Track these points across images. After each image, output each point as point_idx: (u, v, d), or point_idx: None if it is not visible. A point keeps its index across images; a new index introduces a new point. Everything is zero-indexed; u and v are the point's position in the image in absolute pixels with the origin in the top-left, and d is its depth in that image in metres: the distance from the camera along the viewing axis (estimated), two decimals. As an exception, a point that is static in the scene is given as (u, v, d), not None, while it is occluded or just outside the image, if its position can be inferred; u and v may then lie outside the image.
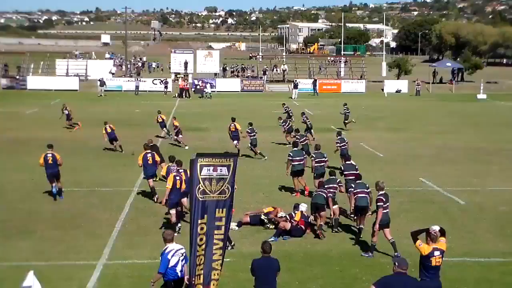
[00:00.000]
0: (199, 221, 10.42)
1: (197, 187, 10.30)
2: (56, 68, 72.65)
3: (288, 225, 17.04)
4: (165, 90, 63.64)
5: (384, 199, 15.22)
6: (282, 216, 17.39)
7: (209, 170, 10.32)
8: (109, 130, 29.76)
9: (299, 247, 16.32)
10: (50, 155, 20.69)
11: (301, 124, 32.79)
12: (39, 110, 47.21)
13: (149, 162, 20.94)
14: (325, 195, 17.31)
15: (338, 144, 25.27)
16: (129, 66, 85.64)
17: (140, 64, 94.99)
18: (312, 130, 32.47)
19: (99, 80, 62.23)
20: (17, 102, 53.02)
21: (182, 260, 11.22)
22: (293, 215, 17.45)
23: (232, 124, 28.93)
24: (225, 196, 10.53)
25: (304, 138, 27.41)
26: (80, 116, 38.69)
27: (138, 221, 18.48)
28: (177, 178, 17.47)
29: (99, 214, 19.19)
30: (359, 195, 16.72)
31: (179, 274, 11.19)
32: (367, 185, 17.03)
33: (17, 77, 67.71)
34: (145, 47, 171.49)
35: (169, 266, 11.08)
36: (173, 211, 17.39)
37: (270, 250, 11.02)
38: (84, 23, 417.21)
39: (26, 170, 24.83)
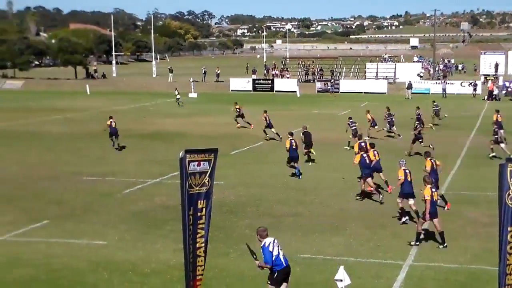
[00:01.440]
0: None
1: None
2: (366, 71, 75.11)
3: None
4: (474, 92, 61.91)
5: None
6: None
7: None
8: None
9: None
10: (293, 141, 25.00)
11: None
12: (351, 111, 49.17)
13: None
14: None
15: None
16: (436, 69, 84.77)
17: (443, 66, 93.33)
18: None
19: (407, 82, 62.73)
20: (331, 104, 55.97)
21: (281, 249, 12.04)
22: None
23: None
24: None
25: None
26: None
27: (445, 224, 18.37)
28: (407, 172, 18.64)
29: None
30: None
31: (284, 262, 11.93)
32: None
33: (331, 80, 71.30)
34: (453, 49, 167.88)
35: (274, 256, 11.84)
36: None
37: None
38: (393, 27, 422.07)
39: (339, 170, 26.28)
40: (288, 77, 77.77)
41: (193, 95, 66.47)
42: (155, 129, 39.52)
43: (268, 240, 12.00)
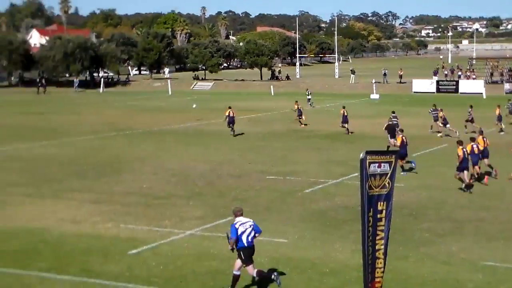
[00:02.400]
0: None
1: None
2: None
3: None
4: None
5: None
6: None
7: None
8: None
9: None
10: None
11: None
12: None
13: None
14: None
15: None
16: None
17: None
18: None
19: None
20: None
21: (250, 231, 13.27)
22: None
23: None
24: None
25: None
26: None
27: None
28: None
29: None
30: None
31: (246, 243, 13.23)
32: None
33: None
34: None
35: (238, 234, 13.11)
36: None
37: None
38: None
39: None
40: (474, 78, 74.69)
41: (375, 96, 66.03)
42: (335, 130, 39.79)
43: (238, 219, 13.35)
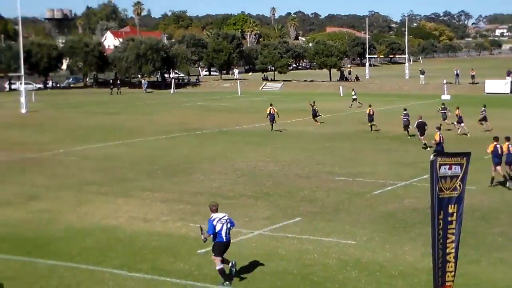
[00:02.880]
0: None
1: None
2: None
3: None
4: None
5: None
6: None
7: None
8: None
9: None
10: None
11: None
12: None
13: None
14: None
15: None
16: None
17: None
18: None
19: None
20: None
21: (227, 225, 14.10)
22: None
23: None
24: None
25: None
26: None
27: None
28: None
29: None
30: None
31: (224, 238, 14.06)
32: None
33: None
34: None
35: (216, 231, 13.88)
36: None
37: None
38: None
39: None
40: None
41: (446, 97, 64.78)
42: (404, 132, 39.27)
43: (215, 215, 14.05)
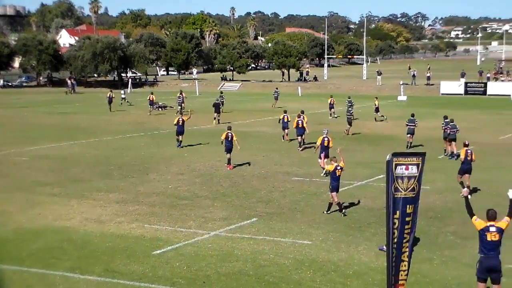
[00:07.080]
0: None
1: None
2: None
3: None
4: None
5: None
6: None
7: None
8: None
9: None
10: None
11: None
12: None
13: None
14: None
15: None
16: None
17: None
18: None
19: None
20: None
21: None
22: None
23: None
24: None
25: None
26: None
27: None
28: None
29: None
30: None
31: None
32: None
33: None
34: None
35: None
36: None
37: None
38: None
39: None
40: (503, 80, 73.92)
41: (402, 98, 65.58)
42: (361, 132, 39.56)
43: None
